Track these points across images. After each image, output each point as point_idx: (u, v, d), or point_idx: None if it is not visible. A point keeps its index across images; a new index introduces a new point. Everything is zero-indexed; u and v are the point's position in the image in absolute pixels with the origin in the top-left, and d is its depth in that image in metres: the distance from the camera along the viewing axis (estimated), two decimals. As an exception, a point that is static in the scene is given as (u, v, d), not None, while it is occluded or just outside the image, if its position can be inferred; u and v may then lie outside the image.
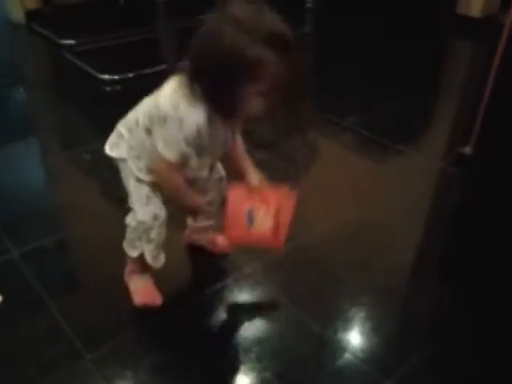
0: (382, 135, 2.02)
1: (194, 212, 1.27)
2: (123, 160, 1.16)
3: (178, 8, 2.63)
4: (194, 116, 1.01)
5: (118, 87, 2.41)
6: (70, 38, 2.81)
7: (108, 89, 2.41)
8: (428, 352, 1.17)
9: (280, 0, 3.26)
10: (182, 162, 1.09)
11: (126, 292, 1.28)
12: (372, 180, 1.78)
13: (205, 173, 1.20)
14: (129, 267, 1.30)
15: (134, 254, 1.23)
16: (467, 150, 1.76)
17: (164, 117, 1.03)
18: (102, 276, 1.35)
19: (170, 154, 1.05)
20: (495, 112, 0.89)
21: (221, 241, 1.42)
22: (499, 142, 0.93)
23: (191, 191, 1.17)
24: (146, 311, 1.24)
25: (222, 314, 1.29)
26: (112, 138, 1.19)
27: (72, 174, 1.81)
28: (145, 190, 1.16)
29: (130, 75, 2.43)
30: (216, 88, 0.98)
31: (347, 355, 1.15)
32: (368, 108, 2.26)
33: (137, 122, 1.14)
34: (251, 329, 1.24)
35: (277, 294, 1.35)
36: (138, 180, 1.16)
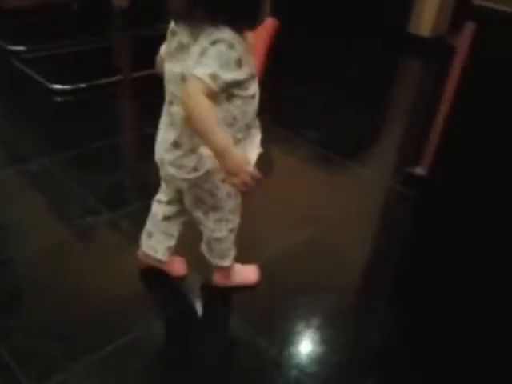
0: (335, 151, 2.06)
1: (230, 160, 0.99)
2: (207, 172, 1.09)
3: (134, 17, 2.59)
4: (231, 35, 0.97)
5: (70, 98, 2.32)
6: (18, 44, 2.71)
7: (59, 99, 2.32)
8: (377, 375, 1.19)
9: None
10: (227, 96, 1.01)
11: (75, 318, 1.24)
12: (323, 197, 1.81)
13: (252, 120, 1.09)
14: (220, 275, 1.33)
15: (228, 262, 1.30)
16: (418, 170, 1.81)
17: (206, 50, 0.96)
18: (49, 298, 1.30)
19: (216, 74, 0.95)
20: (451, 134, 0.92)
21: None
22: (452, 164, 0.95)
23: (224, 132, 1.00)
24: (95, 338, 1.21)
25: (178, 338, 1.27)
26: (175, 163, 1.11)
27: (18, 190, 1.73)
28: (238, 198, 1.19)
29: (83, 85, 2.35)
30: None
31: (298, 377, 1.16)
32: (322, 124, 2.30)
33: (171, 103, 1.08)
34: (206, 351, 1.23)
35: (232, 316, 1.34)
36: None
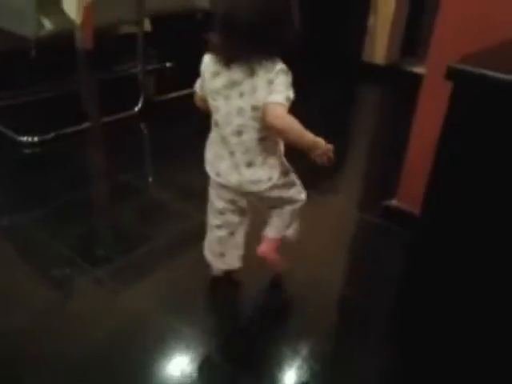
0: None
1: (316, 149, 1.28)
2: (278, 178, 1.35)
3: (99, 59, 2.57)
4: (283, 64, 1.22)
5: (38, 150, 2.28)
6: (-22, 97, 2.66)
7: (27, 151, 2.28)
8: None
9: (202, 47, 3.22)
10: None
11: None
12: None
13: None
14: (275, 245, 1.50)
15: (292, 229, 1.55)
16: (393, 202, 1.87)
17: (274, 81, 1.20)
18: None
19: (289, 96, 1.21)
20: (438, 169, 0.97)
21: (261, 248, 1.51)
22: (442, 200, 1.00)
23: (307, 131, 1.27)
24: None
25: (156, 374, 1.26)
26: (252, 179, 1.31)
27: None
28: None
29: (51, 136, 2.32)
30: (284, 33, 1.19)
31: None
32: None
33: (243, 133, 1.27)
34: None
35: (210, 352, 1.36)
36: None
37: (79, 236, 1.74)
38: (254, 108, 1.22)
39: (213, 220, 1.44)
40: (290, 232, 1.56)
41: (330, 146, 1.29)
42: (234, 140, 1.28)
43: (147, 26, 2.83)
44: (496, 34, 1.43)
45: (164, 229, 1.79)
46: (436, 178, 0.99)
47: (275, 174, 1.33)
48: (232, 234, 1.44)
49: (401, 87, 3.61)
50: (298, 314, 1.51)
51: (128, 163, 2.19)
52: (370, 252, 1.78)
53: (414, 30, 3.82)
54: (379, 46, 3.57)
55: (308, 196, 1.44)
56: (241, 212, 1.42)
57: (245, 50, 1.18)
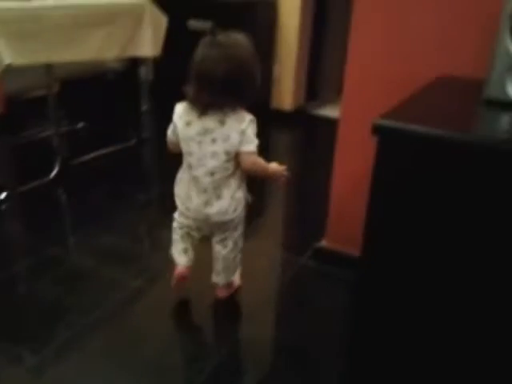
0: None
1: (276, 176, 1.58)
2: (241, 210, 1.57)
3: (11, 124, 2.48)
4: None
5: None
6: None
7: None
8: None
9: (114, 106, 3.28)
10: None
11: None
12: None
13: None
14: (225, 289, 1.69)
15: (237, 274, 1.73)
16: (323, 243, 1.96)
17: (245, 132, 1.42)
18: None
19: (257, 143, 1.45)
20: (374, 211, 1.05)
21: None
22: (381, 240, 1.08)
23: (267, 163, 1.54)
24: None
25: None
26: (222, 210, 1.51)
27: None
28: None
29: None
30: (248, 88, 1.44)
31: None
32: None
33: (216, 174, 1.46)
34: None
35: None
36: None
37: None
38: (227, 153, 1.44)
39: (177, 239, 1.67)
40: (237, 276, 1.74)
41: (283, 168, 1.57)
42: (206, 179, 1.48)
43: (55, 85, 2.78)
44: (399, 85, 1.61)
45: (96, 298, 1.73)
46: (370, 224, 1.06)
47: (239, 207, 1.54)
48: (191, 237, 1.65)
49: (309, 129, 3.83)
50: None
51: (48, 233, 2.11)
52: (307, 295, 1.82)
53: (314, 76, 4.09)
54: (286, 93, 3.77)
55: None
56: (200, 235, 1.66)
57: (219, 100, 1.39)
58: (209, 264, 1.68)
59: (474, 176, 0.94)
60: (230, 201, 1.50)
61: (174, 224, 1.66)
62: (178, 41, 2.96)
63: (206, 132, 1.43)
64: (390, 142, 0.99)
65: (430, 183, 0.98)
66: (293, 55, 3.65)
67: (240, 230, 1.62)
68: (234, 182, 1.49)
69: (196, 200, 1.51)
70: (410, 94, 1.23)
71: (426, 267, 1.03)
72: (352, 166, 1.80)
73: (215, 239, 1.62)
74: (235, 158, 1.45)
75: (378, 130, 0.99)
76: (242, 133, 1.42)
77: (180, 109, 1.47)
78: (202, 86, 1.39)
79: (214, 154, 1.43)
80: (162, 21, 2.80)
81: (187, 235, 1.64)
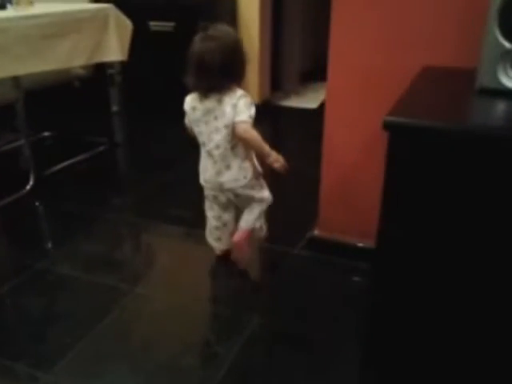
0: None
1: (273, 158, 1.73)
2: (251, 178, 1.79)
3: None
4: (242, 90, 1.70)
5: None
6: None
7: None
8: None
9: (83, 112, 3.22)
10: None
11: None
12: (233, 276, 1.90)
13: None
14: (246, 234, 1.84)
15: (259, 223, 1.90)
16: (316, 232, 2.01)
17: (237, 105, 1.65)
18: None
19: (251, 114, 1.67)
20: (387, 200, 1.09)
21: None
22: (394, 231, 1.12)
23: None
24: None
25: None
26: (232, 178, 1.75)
27: None
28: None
29: None
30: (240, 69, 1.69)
31: None
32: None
33: (221, 146, 1.70)
34: None
35: None
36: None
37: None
38: (226, 126, 1.67)
39: (208, 213, 1.89)
40: (258, 227, 1.90)
41: (279, 157, 1.74)
42: (215, 152, 1.72)
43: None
44: (381, 76, 1.67)
45: (87, 305, 1.73)
46: (384, 218, 1.12)
47: (249, 174, 1.77)
48: (224, 224, 1.88)
49: (277, 120, 3.88)
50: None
51: (30, 245, 2.08)
52: (303, 284, 1.87)
53: (276, 68, 4.14)
54: (252, 87, 3.78)
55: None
56: (223, 206, 1.85)
57: (218, 83, 1.64)
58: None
59: (486, 167, 1.00)
60: (238, 170, 1.74)
61: (206, 211, 1.90)
62: (140, 42, 2.93)
63: (208, 112, 1.69)
64: (400, 138, 1.04)
65: (441, 175, 1.04)
66: (255, 49, 3.67)
67: (257, 190, 1.84)
68: (239, 153, 1.73)
69: (210, 171, 1.77)
70: (401, 86, 1.28)
71: (440, 259, 1.09)
72: (340, 155, 1.85)
73: (239, 201, 1.85)
74: (233, 130, 1.68)
75: (388, 126, 1.03)
76: (234, 106, 1.65)
77: (188, 99, 1.74)
78: (202, 75, 1.64)
79: (217, 130, 1.69)
80: (127, 25, 2.76)
81: (215, 205, 1.86)
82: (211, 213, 1.88)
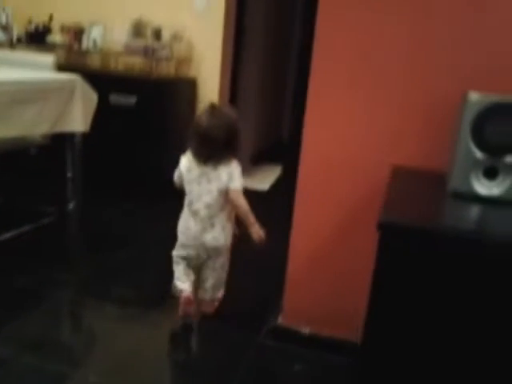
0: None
1: (255, 228, 1.93)
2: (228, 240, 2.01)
3: None
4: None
5: None
6: None
7: None
8: None
9: (36, 180, 3.11)
10: None
11: None
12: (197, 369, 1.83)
13: None
14: (212, 304, 2.08)
15: (222, 291, 2.10)
16: (279, 320, 2.00)
17: (232, 174, 1.90)
18: None
19: (242, 183, 1.92)
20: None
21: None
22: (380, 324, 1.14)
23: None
24: None
25: None
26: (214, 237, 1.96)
27: None
28: None
29: None
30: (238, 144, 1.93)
31: None
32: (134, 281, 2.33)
33: (211, 207, 1.93)
34: None
35: None
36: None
37: None
38: (219, 190, 1.90)
39: (178, 272, 2.02)
40: (220, 295, 2.09)
41: (261, 230, 1.93)
42: (203, 212, 1.93)
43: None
44: (350, 175, 1.77)
45: None
46: (372, 314, 1.14)
47: (228, 239, 2.00)
48: (189, 266, 2.03)
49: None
50: None
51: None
52: (267, 375, 1.83)
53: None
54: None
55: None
56: (193, 268, 2.03)
57: (218, 154, 1.89)
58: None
59: (469, 267, 1.07)
60: (221, 230, 1.95)
61: (174, 258, 2.03)
62: (101, 115, 2.93)
63: (203, 174, 1.91)
64: (391, 237, 1.09)
65: (428, 273, 1.09)
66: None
67: (227, 255, 2.05)
68: (224, 216, 1.95)
69: (194, 228, 1.95)
70: (369, 181, 1.36)
71: (430, 355, 1.12)
72: (307, 245, 1.89)
73: (208, 263, 2.01)
74: (225, 194, 1.90)
75: (382, 226, 1.09)
76: (230, 174, 1.90)
77: (184, 159, 1.98)
78: (206, 145, 1.88)
79: (209, 191, 1.91)
80: (93, 97, 2.78)
81: (186, 265, 2.02)
82: (180, 270, 2.02)
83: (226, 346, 1.96)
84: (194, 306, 2.01)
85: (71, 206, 3.03)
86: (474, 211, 1.25)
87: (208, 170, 1.90)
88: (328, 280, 1.89)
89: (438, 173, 1.56)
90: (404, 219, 1.11)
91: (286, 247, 1.94)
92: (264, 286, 2.42)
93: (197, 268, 2.03)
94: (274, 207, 3.62)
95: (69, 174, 2.98)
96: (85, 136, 2.91)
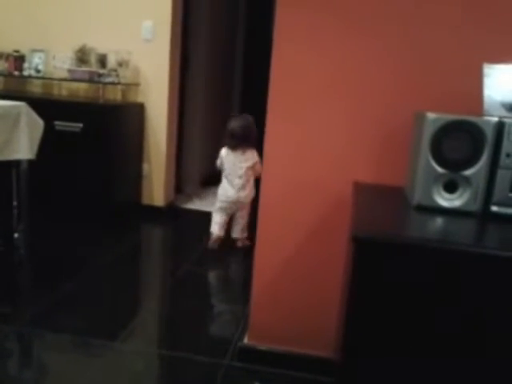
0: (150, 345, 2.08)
1: None
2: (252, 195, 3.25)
3: None
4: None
5: None
6: None
7: None
8: None
9: None
10: None
11: None
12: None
13: None
14: (243, 239, 3.31)
15: (246, 232, 3.33)
16: (246, 341, 1.98)
17: (255, 156, 3.18)
18: None
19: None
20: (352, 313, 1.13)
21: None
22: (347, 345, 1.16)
23: None
24: None
25: None
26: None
27: None
28: None
29: None
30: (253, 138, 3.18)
31: None
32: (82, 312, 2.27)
33: (241, 177, 3.18)
34: None
35: None
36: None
37: None
38: (248, 167, 3.15)
39: (216, 218, 3.26)
40: (246, 234, 3.30)
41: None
42: (237, 181, 3.15)
43: None
44: (311, 194, 1.81)
45: None
46: (349, 330, 1.17)
47: (251, 196, 3.21)
48: (224, 223, 3.27)
49: (182, 223, 3.88)
50: None
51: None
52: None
53: (179, 172, 4.22)
54: (157, 190, 3.80)
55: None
56: (227, 214, 3.25)
57: (243, 143, 3.15)
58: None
59: (442, 277, 1.12)
60: (248, 191, 3.18)
61: (215, 210, 3.25)
62: (47, 142, 2.84)
63: (236, 157, 3.15)
64: (365, 250, 1.13)
65: (402, 283, 1.13)
66: (162, 155, 3.75)
67: (248, 207, 3.24)
68: (249, 183, 3.18)
69: (231, 191, 3.16)
70: (328, 199, 1.39)
71: (407, 360, 1.16)
72: (271, 264, 1.90)
73: (237, 213, 3.23)
74: (251, 168, 3.15)
75: (356, 240, 1.12)
76: (253, 156, 3.17)
77: (223, 149, 3.21)
78: (235, 138, 3.14)
79: (240, 168, 3.14)
80: (39, 124, 2.69)
81: (224, 214, 3.22)
82: (219, 217, 3.22)
83: (194, 374, 1.92)
84: (220, 242, 3.23)
85: (17, 235, 2.89)
86: (439, 222, 1.31)
87: (238, 154, 3.14)
88: (293, 298, 1.91)
89: (394, 187, 1.64)
90: (378, 232, 1.15)
91: (249, 267, 1.95)
92: (232, 307, 2.41)
93: (229, 216, 3.22)
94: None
95: (14, 203, 2.86)
96: (31, 163, 2.81)
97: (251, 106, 5.18)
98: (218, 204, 3.21)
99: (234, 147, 3.12)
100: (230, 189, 3.13)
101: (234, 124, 3.11)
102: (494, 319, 1.12)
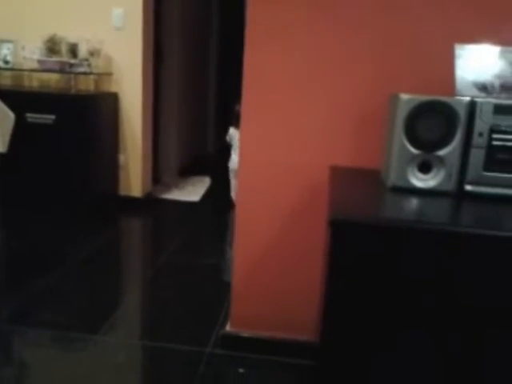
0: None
1: None
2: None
3: None
4: None
5: None
6: None
7: None
8: None
9: None
10: None
11: None
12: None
13: None
14: None
15: None
16: (228, 328, 1.99)
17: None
18: None
19: None
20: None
21: None
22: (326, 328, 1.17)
23: None
24: None
25: None
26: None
27: None
28: None
29: None
30: None
31: None
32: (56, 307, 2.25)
33: None
34: None
35: None
36: None
37: None
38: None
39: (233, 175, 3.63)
40: None
41: None
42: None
43: None
44: (288, 178, 1.80)
45: None
46: (327, 311, 1.17)
47: None
48: None
49: (161, 213, 3.86)
50: None
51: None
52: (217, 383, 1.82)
53: (156, 162, 4.18)
54: (134, 181, 3.76)
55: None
56: None
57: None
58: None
59: (422, 257, 1.13)
60: None
61: (232, 177, 3.66)
62: (18, 134, 2.78)
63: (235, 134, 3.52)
64: (342, 233, 1.13)
65: (381, 264, 1.14)
66: (138, 145, 3.70)
67: None
68: None
69: (235, 162, 3.38)
70: (305, 183, 1.39)
71: (386, 344, 1.17)
72: (251, 250, 1.90)
73: None
74: None
75: (333, 223, 1.12)
76: None
77: (231, 129, 3.64)
78: (236, 119, 3.05)
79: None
80: (10, 117, 2.62)
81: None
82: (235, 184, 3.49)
83: (177, 363, 1.92)
84: None
85: (-8, 233, 2.84)
86: (414, 203, 1.32)
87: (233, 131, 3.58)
88: (274, 284, 1.92)
89: (372, 170, 1.64)
90: (354, 214, 1.15)
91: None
92: (208, 296, 2.40)
93: None
94: (207, 216, 3.64)
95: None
96: (2, 157, 2.74)
97: (228, 93, 5.15)
98: (232, 174, 3.66)
99: (236, 126, 3.48)
100: (236, 158, 3.49)
101: (240, 107, 3.45)
102: (468, 294, 1.14)
